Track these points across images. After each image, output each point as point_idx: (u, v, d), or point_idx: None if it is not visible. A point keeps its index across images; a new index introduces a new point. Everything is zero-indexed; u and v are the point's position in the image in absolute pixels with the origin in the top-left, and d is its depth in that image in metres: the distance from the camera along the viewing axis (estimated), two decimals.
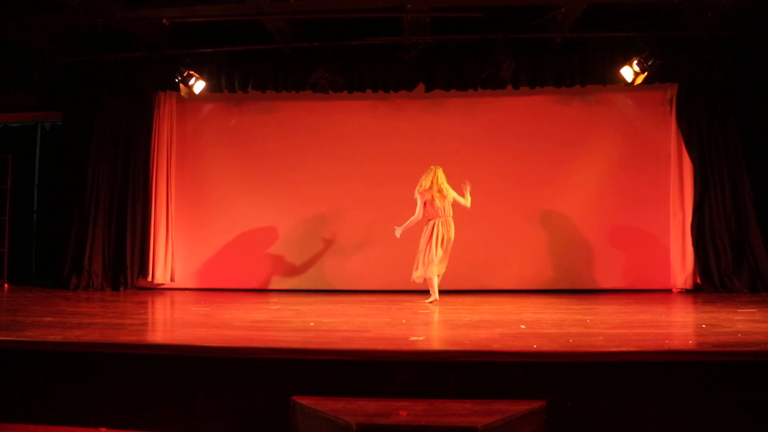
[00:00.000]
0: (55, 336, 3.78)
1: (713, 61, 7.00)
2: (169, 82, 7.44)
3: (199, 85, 7.34)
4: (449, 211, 6.41)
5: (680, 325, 4.78)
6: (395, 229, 6.51)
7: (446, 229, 6.35)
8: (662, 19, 6.65)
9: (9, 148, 8.30)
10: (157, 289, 7.81)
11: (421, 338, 3.82)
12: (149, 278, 7.79)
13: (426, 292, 6.56)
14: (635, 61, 6.78)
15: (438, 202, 6.35)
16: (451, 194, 6.43)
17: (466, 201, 6.47)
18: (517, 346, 3.64)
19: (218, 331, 4.23)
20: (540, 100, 7.78)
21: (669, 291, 7.46)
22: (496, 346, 3.63)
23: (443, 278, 7.62)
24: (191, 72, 7.25)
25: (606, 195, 7.69)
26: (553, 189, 7.74)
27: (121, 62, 7.59)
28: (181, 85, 7.32)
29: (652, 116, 7.74)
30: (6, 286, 7.75)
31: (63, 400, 3.42)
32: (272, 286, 7.80)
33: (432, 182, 6.42)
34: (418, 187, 6.44)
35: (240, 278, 7.92)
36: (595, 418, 3.18)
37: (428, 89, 7.42)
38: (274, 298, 6.76)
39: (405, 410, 2.96)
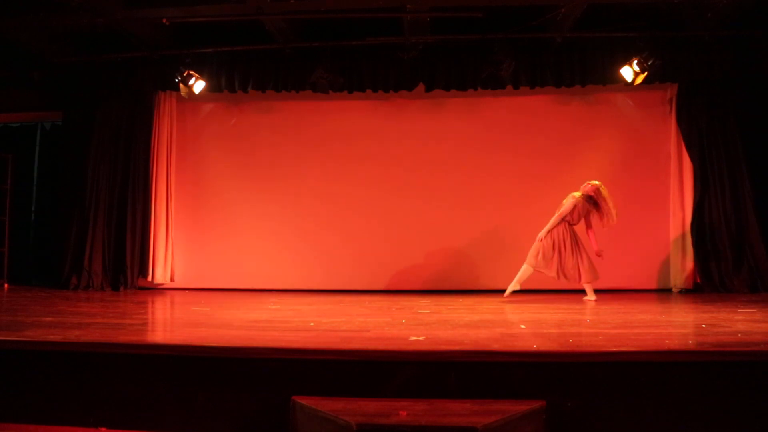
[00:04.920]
0: (55, 336, 3.78)
1: (713, 61, 7.00)
2: (169, 82, 7.44)
3: (199, 85, 7.35)
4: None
5: (680, 325, 4.78)
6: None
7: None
8: (662, 19, 6.65)
9: (9, 148, 8.30)
10: (157, 289, 7.82)
11: (421, 338, 3.82)
12: (149, 278, 7.79)
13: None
14: (635, 61, 6.79)
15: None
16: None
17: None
18: (517, 346, 3.64)
19: (218, 331, 4.22)
20: (540, 100, 7.78)
21: (669, 291, 7.47)
22: (496, 346, 3.62)
23: (443, 278, 7.68)
24: (191, 72, 7.26)
25: None
26: (553, 189, 7.69)
27: (121, 62, 7.59)
28: (181, 85, 7.33)
29: (652, 116, 7.75)
30: (6, 286, 7.75)
31: (63, 400, 3.42)
32: (272, 286, 7.79)
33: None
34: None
35: (240, 278, 7.91)
36: (595, 418, 3.18)
37: (428, 89, 7.43)
38: (274, 298, 6.76)
39: (405, 410, 2.96)
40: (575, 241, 6.42)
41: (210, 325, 4.58)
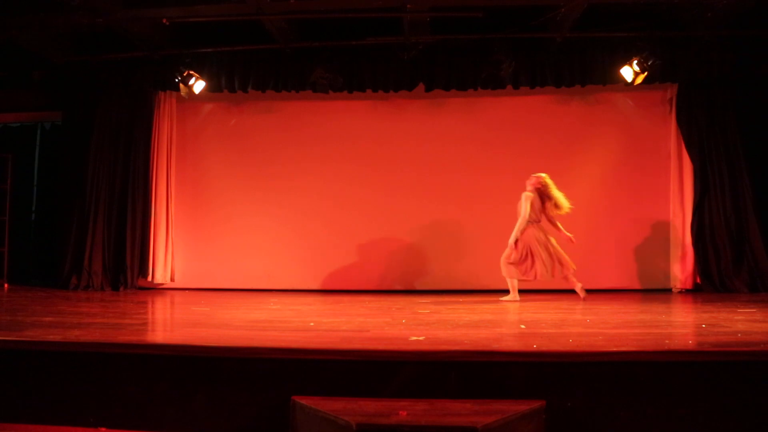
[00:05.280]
0: (55, 336, 3.78)
1: (713, 61, 6.99)
2: (169, 82, 7.45)
3: (199, 85, 7.35)
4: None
5: (680, 325, 4.78)
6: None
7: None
8: (662, 19, 6.65)
9: (9, 148, 8.29)
10: (157, 289, 7.81)
11: (421, 338, 3.82)
12: (149, 278, 7.78)
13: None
14: (635, 61, 6.79)
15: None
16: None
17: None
18: (517, 346, 3.64)
19: (218, 331, 4.23)
20: (540, 100, 7.78)
21: (669, 291, 7.46)
22: (496, 346, 3.62)
23: (442, 277, 7.66)
24: (191, 72, 7.26)
25: (606, 195, 7.69)
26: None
27: (121, 62, 7.59)
28: (181, 85, 7.33)
29: (652, 116, 7.75)
30: (6, 286, 7.75)
31: (63, 400, 3.42)
32: (272, 286, 7.79)
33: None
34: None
35: (240, 278, 7.92)
36: (595, 418, 3.18)
37: (428, 89, 7.43)
38: (274, 298, 6.76)
39: (405, 410, 2.96)
40: (547, 237, 6.41)
41: (210, 325, 4.58)
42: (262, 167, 8.03)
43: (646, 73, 6.80)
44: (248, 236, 7.98)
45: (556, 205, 6.42)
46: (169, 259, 7.93)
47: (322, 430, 2.98)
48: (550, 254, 6.34)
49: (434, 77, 7.34)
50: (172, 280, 7.94)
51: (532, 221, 6.42)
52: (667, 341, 3.78)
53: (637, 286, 7.55)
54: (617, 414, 3.19)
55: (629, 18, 6.64)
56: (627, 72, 6.89)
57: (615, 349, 3.46)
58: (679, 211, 7.51)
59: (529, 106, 7.82)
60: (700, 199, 7.31)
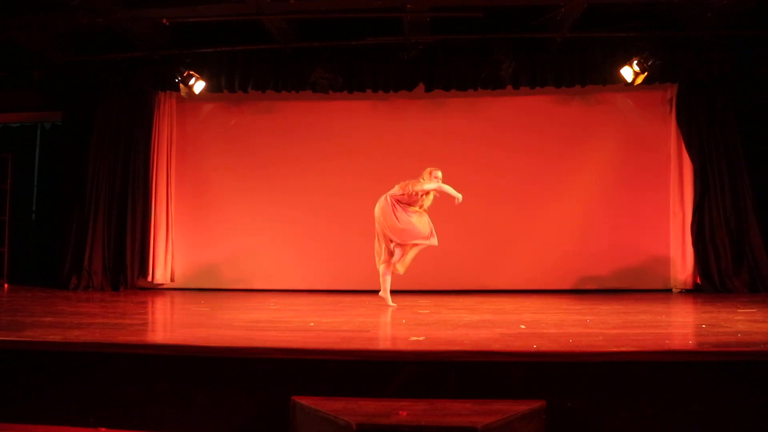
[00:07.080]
0: (55, 336, 3.78)
1: (713, 61, 7.00)
2: (169, 82, 7.45)
3: (199, 85, 7.35)
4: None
5: (680, 325, 4.78)
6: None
7: None
8: (662, 19, 6.65)
9: (9, 148, 8.30)
10: (157, 289, 7.82)
11: (421, 338, 3.82)
12: (149, 278, 7.79)
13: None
14: (635, 61, 6.80)
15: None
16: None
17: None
18: (517, 346, 3.64)
19: (218, 331, 4.22)
20: (540, 100, 7.78)
21: (669, 291, 7.47)
22: (496, 346, 3.62)
23: (443, 278, 7.65)
24: (191, 72, 7.27)
25: (606, 195, 7.70)
26: (553, 189, 7.75)
27: (121, 62, 7.60)
28: (181, 85, 7.33)
29: (652, 116, 7.75)
30: (6, 286, 7.75)
31: (63, 400, 3.42)
32: (272, 286, 7.79)
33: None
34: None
35: (240, 278, 7.92)
36: (595, 418, 3.18)
37: (428, 89, 7.43)
38: (274, 298, 6.76)
39: (405, 410, 2.96)
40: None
41: (210, 325, 4.58)
42: (261, 167, 8.03)
43: (646, 74, 6.81)
44: (248, 236, 7.98)
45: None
46: (169, 259, 7.93)
47: (322, 430, 2.98)
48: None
49: (434, 77, 7.35)
50: (172, 280, 7.95)
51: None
52: (667, 341, 3.78)
53: (637, 286, 7.54)
54: (617, 414, 3.19)
55: (629, 18, 6.64)
56: (627, 72, 6.90)
57: (615, 349, 3.45)
58: (679, 211, 7.51)
59: (529, 106, 7.82)
60: (700, 199, 7.31)
